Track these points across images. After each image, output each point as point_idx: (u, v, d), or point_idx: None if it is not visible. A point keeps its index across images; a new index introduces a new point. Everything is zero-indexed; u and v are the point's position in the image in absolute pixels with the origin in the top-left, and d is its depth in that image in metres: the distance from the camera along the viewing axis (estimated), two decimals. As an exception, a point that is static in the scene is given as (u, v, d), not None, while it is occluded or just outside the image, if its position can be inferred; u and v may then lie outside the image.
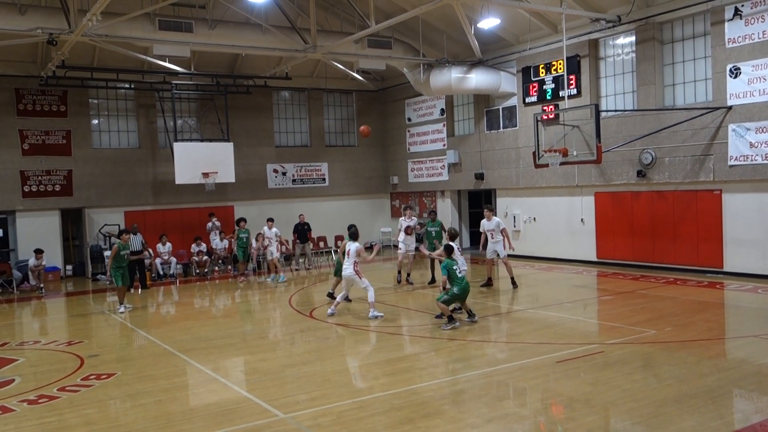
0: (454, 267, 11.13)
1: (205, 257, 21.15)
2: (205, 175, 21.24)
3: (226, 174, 21.82)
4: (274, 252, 19.27)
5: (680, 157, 16.42)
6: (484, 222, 15.41)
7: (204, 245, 21.23)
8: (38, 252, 19.29)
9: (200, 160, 21.27)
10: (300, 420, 7.09)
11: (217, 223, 21.99)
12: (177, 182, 21.24)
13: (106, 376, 9.21)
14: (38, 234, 20.81)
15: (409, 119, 25.89)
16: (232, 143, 22.35)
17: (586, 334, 10.77)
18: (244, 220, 20.18)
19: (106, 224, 21.66)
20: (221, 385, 8.69)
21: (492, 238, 15.24)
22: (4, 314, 15.62)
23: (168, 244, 20.67)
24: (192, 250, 21.05)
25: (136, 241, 17.69)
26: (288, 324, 12.98)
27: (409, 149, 26.02)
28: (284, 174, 25.27)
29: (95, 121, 22.33)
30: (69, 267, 22.03)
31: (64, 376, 9.30)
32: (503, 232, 15.24)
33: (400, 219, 17.17)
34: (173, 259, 20.75)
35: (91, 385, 8.82)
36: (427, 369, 9.08)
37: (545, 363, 8.97)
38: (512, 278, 15.27)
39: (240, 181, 23.05)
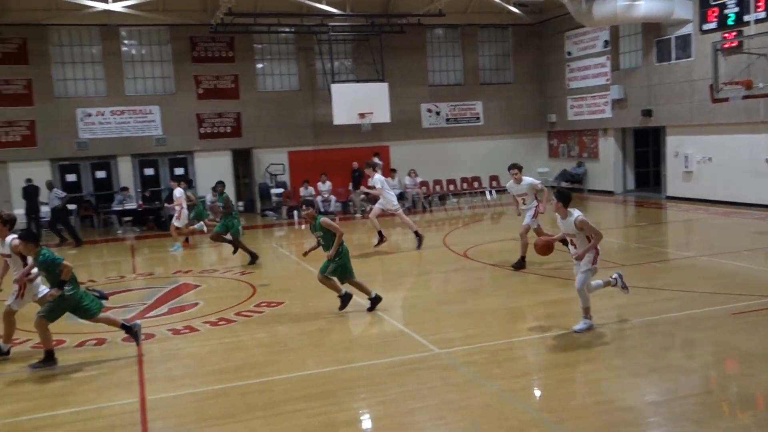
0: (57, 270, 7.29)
1: (362, 196, 21.79)
2: (361, 115, 21.65)
3: (382, 114, 22.07)
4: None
5: None
6: (510, 184, 11.68)
7: (361, 184, 21.88)
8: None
9: (356, 101, 21.65)
10: (454, 356, 7.21)
11: (380, 162, 22.59)
12: (335, 123, 21.84)
13: (275, 304, 9.90)
14: (213, 173, 22.46)
15: (569, 53, 24.54)
16: (386, 83, 22.49)
17: (767, 285, 9.86)
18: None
19: (272, 163, 22.95)
20: (379, 318, 9.01)
21: (524, 204, 11.58)
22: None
23: (328, 183, 21.59)
24: (350, 189, 21.78)
25: (54, 196, 17.55)
26: (442, 263, 13.11)
27: (568, 85, 24.78)
28: (438, 113, 25.15)
29: (260, 66, 23.44)
30: (240, 203, 23.72)
31: (239, 303, 10.12)
32: (544, 192, 11.50)
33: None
34: (333, 198, 21.66)
35: (263, 312, 9.54)
36: (586, 313, 8.80)
37: (718, 314, 8.35)
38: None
39: (395, 121, 23.24)
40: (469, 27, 25.16)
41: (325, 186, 21.57)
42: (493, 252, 13.26)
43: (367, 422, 5.96)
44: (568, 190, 8.10)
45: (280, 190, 22.59)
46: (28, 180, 18.80)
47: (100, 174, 22.00)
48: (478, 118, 25.63)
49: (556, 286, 10.34)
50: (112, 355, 7.85)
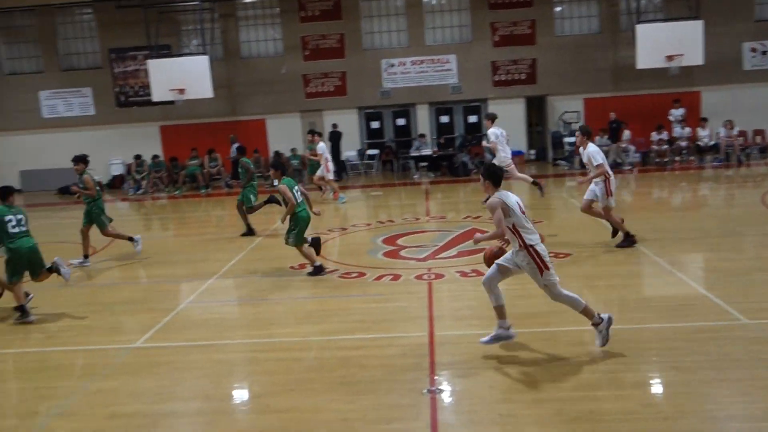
0: (8, 218, 7.74)
1: (665, 146, 20.08)
2: (669, 58, 19.67)
3: (693, 56, 19.77)
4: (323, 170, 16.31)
5: None
6: (581, 150, 9.89)
7: (665, 133, 20.16)
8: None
9: (664, 42, 19.68)
10: (765, 328, 6.33)
11: (681, 110, 20.67)
12: (638, 67, 20.20)
13: (562, 255, 9.69)
14: (506, 120, 22.47)
15: None
16: (701, 21, 20.03)
17: None
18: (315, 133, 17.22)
19: (566, 111, 22.24)
20: (677, 279, 8.29)
21: (589, 174, 9.80)
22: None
23: (626, 132, 20.28)
24: (652, 139, 20.22)
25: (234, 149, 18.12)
26: (759, 224, 11.51)
27: None
28: (765, 53, 21.78)
29: (558, 9, 22.64)
30: (532, 152, 23.55)
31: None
32: (598, 169, 9.48)
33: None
34: (631, 148, 20.32)
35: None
36: None
37: None
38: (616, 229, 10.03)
39: (709, 63, 20.64)
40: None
41: (623, 135, 20.31)
42: None
43: (657, 386, 5.56)
44: (496, 166, 6.28)
45: (574, 139, 21.83)
46: (334, 125, 21.49)
47: (400, 121, 23.57)
48: (818, 56, 21.67)
49: None
50: (405, 290, 8.47)
